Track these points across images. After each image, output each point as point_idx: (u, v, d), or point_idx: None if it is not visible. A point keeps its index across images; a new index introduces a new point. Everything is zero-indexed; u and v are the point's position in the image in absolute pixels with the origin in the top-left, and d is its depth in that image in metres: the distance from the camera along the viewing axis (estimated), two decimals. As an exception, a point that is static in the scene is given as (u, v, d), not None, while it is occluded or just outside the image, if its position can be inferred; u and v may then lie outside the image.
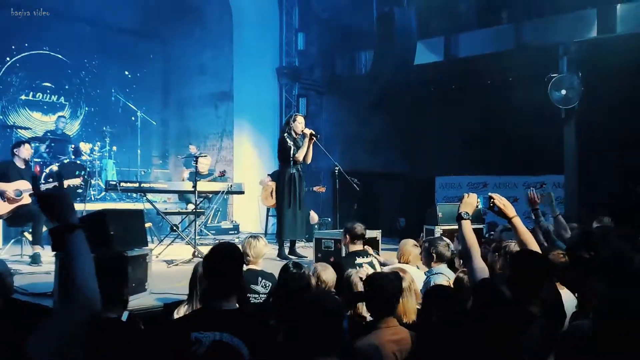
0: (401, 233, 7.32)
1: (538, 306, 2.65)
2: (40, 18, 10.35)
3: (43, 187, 6.80)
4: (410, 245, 4.90)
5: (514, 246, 4.23)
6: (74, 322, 1.54)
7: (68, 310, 1.56)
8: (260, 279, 4.15)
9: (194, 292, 3.47)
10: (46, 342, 1.49)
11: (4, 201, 6.42)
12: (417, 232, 6.66)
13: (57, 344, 1.50)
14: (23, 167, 6.73)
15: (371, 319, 3.18)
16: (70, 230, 1.64)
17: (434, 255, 4.48)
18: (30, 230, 6.46)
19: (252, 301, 3.98)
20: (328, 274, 3.83)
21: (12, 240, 6.94)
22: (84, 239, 1.65)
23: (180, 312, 3.47)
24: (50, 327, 1.53)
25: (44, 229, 6.50)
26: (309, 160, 7.13)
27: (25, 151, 6.74)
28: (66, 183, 6.83)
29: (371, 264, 4.72)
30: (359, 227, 4.91)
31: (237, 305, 2.43)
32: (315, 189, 9.01)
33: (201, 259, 3.91)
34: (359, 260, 4.67)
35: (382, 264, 5.07)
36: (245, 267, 4.28)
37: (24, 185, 6.52)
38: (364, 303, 3.38)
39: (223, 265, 2.47)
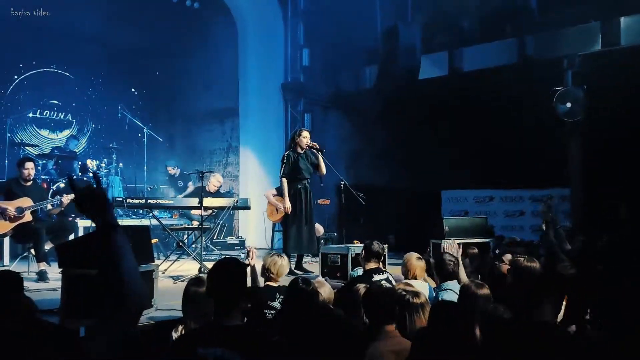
0: (393, 248, 7.29)
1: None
2: (48, 37, 10.49)
3: (47, 202, 6.78)
4: (415, 260, 4.91)
5: (523, 261, 4.24)
6: (130, 318, 1.54)
7: (123, 308, 1.52)
8: (277, 295, 4.11)
9: (187, 311, 3.48)
10: (106, 342, 1.46)
11: (5, 219, 6.40)
12: (424, 247, 6.65)
13: (116, 343, 1.48)
14: (28, 184, 6.74)
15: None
16: (116, 228, 1.59)
17: (441, 272, 4.52)
18: (38, 247, 6.46)
19: (268, 317, 3.95)
20: (325, 290, 3.84)
21: (19, 258, 6.96)
22: (126, 238, 1.60)
23: (178, 333, 3.46)
24: (108, 327, 1.50)
25: (50, 245, 6.51)
26: (323, 172, 7.16)
27: (24, 170, 6.70)
28: (69, 198, 6.78)
29: (388, 280, 4.74)
30: (376, 245, 4.94)
31: (243, 320, 2.42)
32: (319, 201, 9.02)
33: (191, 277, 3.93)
34: (375, 277, 4.68)
35: (395, 279, 5.07)
36: (263, 283, 4.31)
37: (27, 202, 6.50)
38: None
39: (226, 282, 2.46)
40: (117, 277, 1.52)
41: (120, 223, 1.65)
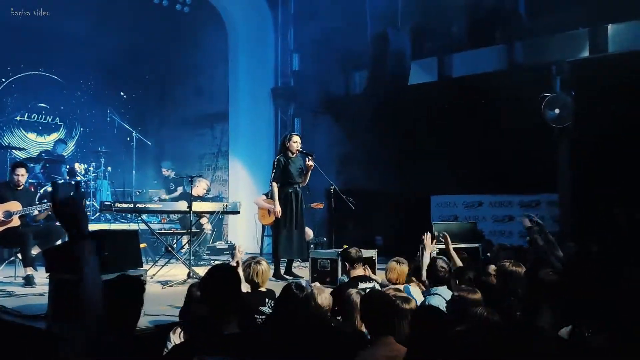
0: (382, 251, 7.30)
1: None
2: (37, 40, 10.42)
3: (35, 208, 6.72)
4: (398, 264, 4.94)
5: (508, 266, 4.29)
6: (89, 324, 1.58)
7: (83, 313, 1.57)
8: (267, 300, 4.15)
9: (189, 315, 3.45)
10: (80, 346, 1.52)
11: (-7, 224, 6.33)
12: (414, 252, 6.65)
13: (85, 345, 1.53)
14: (18, 188, 6.68)
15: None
16: (85, 239, 1.65)
17: (432, 277, 4.54)
18: (24, 251, 6.38)
19: (259, 322, 3.95)
20: (324, 298, 3.83)
21: (6, 262, 6.88)
22: (94, 248, 1.66)
23: (176, 334, 3.43)
24: (77, 331, 1.55)
25: (37, 250, 6.45)
26: (305, 182, 7.26)
27: (16, 176, 6.63)
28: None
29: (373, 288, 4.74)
30: (353, 251, 4.94)
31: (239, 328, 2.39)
32: (313, 205, 9.02)
33: (196, 280, 3.90)
34: (361, 285, 4.67)
35: (382, 285, 5.07)
36: (250, 290, 4.30)
37: (15, 206, 6.43)
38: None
39: (221, 289, 2.43)
40: (80, 282, 1.59)
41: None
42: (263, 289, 4.29)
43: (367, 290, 4.49)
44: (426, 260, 5.25)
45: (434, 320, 2.86)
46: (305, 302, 3.41)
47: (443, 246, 5.95)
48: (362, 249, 5.32)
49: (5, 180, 6.79)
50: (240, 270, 4.53)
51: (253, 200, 9.26)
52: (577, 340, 2.45)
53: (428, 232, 5.87)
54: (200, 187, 9.26)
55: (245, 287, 4.49)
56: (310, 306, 3.48)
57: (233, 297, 2.44)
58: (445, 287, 4.45)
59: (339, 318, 3.85)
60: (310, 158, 7.04)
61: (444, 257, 5.06)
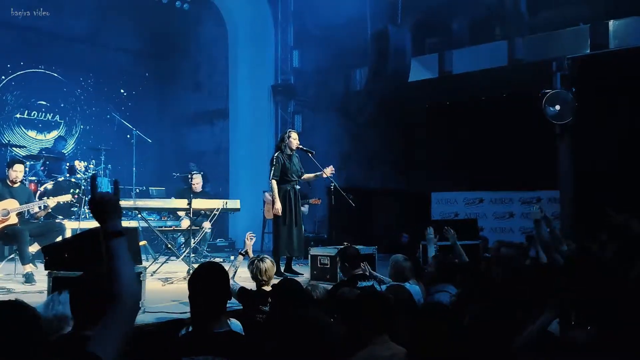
0: (405, 250, 7.28)
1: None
2: (36, 37, 10.42)
3: (34, 205, 6.71)
4: (402, 261, 4.91)
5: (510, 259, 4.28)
6: (129, 317, 1.63)
7: (121, 308, 1.61)
8: (269, 299, 4.07)
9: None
10: (111, 342, 1.54)
11: (-10, 221, 6.31)
12: (414, 249, 6.64)
13: (119, 341, 1.56)
14: (15, 186, 6.67)
15: None
16: (118, 236, 1.70)
17: (439, 274, 4.50)
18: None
19: (259, 320, 3.94)
20: (319, 292, 3.84)
21: (6, 259, 6.88)
22: (126, 245, 1.71)
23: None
24: (110, 327, 1.58)
25: (37, 247, 6.43)
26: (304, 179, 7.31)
27: (12, 172, 6.61)
28: (55, 200, 6.73)
29: (372, 287, 4.71)
30: (351, 250, 4.96)
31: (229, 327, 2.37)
32: (311, 201, 9.03)
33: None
34: (360, 284, 4.65)
35: (380, 281, 5.05)
36: (256, 288, 4.31)
37: (13, 204, 6.41)
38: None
39: (211, 286, 2.41)
40: (112, 278, 1.63)
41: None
42: (267, 288, 4.24)
43: (366, 289, 4.49)
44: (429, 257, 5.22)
45: (440, 318, 2.83)
46: (300, 299, 3.39)
47: (448, 242, 5.91)
48: (361, 245, 5.31)
49: (1, 177, 6.76)
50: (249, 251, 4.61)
51: (263, 191, 9.29)
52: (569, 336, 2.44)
53: (430, 227, 5.82)
54: (198, 185, 9.21)
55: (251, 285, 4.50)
56: (304, 304, 3.47)
57: (223, 295, 2.42)
58: (451, 284, 4.41)
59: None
60: (330, 169, 7.08)
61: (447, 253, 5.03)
